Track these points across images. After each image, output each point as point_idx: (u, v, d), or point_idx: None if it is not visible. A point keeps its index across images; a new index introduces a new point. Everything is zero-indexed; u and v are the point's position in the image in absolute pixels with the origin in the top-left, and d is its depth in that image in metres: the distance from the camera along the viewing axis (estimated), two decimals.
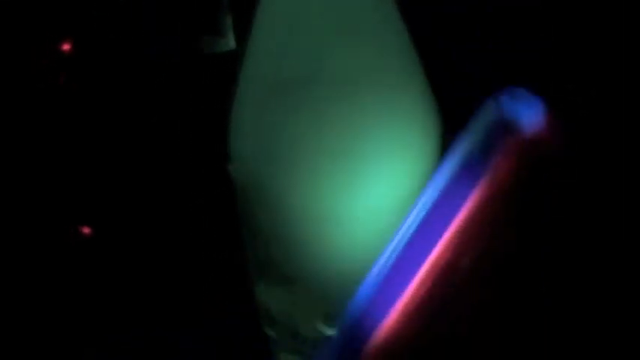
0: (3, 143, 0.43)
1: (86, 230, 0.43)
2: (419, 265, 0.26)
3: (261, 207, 0.31)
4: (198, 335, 0.40)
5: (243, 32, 0.29)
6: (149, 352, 0.41)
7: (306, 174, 0.28)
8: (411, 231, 0.26)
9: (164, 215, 0.44)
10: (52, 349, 0.41)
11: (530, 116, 0.23)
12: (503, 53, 0.38)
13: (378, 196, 0.29)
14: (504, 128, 0.23)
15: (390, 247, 0.27)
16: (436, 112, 0.30)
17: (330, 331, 0.33)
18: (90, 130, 0.44)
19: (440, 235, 0.26)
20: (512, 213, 0.25)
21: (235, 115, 0.31)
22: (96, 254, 0.45)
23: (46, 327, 0.42)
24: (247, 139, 0.30)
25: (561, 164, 0.24)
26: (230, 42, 0.38)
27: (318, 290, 0.32)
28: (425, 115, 0.29)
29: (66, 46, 0.41)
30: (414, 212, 0.27)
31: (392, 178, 0.29)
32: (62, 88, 0.43)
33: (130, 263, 0.45)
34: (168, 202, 0.44)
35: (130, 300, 0.43)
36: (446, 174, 0.25)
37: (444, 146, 0.29)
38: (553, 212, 0.25)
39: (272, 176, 0.29)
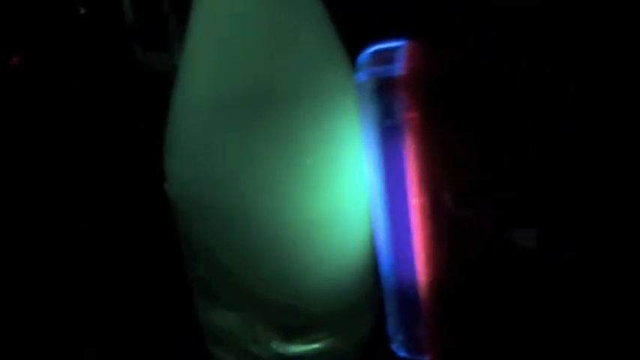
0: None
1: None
2: (408, 218, 0.29)
3: (202, 227, 0.29)
4: (198, 335, 0.40)
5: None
6: (149, 352, 0.41)
7: (248, 192, 0.27)
8: (385, 204, 0.29)
9: (164, 215, 0.44)
10: (52, 349, 0.41)
11: (391, 63, 0.26)
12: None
13: (321, 209, 0.29)
14: (383, 87, 0.26)
15: (379, 223, 0.30)
16: None
17: (284, 349, 0.32)
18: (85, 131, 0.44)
19: (405, 191, 0.28)
20: (446, 131, 0.27)
21: (170, 137, 0.30)
22: (96, 254, 0.45)
23: (46, 327, 0.42)
24: (183, 161, 0.29)
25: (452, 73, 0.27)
26: (172, 59, 0.37)
27: (268, 307, 0.31)
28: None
29: (14, 61, 0.41)
30: (375, 191, 0.29)
31: (333, 190, 0.29)
32: (62, 88, 0.43)
33: (130, 263, 0.45)
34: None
35: (130, 300, 0.43)
36: (375, 152, 0.28)
37: None
38: (478, 104, 0.27)
39: (212, 198, 0.28)
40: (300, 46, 0.26)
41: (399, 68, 0.26)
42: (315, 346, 0.32)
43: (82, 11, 0.40)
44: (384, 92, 0.26)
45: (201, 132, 0.28)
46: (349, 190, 0.29)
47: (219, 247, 0.30)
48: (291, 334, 0.32)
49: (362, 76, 0.27)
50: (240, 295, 0.31)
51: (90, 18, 0.41)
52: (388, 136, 0.27)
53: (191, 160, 0.28)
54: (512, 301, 0.31)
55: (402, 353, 0.33)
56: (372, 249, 0.33)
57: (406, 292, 0.31)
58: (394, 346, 0.33)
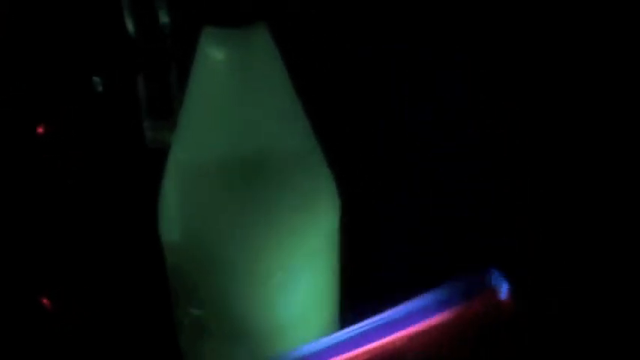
0: None
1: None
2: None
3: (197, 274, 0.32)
4: None
5: None
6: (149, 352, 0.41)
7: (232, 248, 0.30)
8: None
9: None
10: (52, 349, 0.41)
11: (501, 290, 0.32)
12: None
13: (297, 266, 0.32)
14: (486, 288, 0.32)
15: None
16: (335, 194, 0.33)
17: None
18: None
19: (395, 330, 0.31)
20: (463, 343, 0.32)
21: (163, 197, 0.32)
22: (95, 254, 0.45)
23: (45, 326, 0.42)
24: (174, 224, 0.31)
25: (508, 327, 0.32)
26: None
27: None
28: (326, 193, 0.33)
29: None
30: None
31: (308, 245, 0.32)
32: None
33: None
34: None
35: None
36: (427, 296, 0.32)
37: None
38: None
39: (201, 254, 0.31)
40: (274, 130, 0.30)
41: (502, 296, 0.32)
42: None
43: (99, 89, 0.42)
44: (483, 288, 0.32)
45: (193, 193, 0.31)
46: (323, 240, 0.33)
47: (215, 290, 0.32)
48: None
49: (487, 276, 0.32)
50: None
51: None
52: (442, 297, 0.32)
53: (183, 217, 0.31)
54: None
55: None
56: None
57: None
58: None
